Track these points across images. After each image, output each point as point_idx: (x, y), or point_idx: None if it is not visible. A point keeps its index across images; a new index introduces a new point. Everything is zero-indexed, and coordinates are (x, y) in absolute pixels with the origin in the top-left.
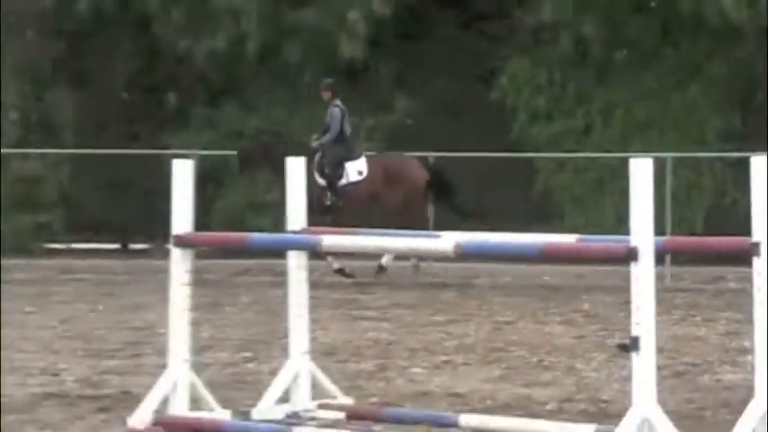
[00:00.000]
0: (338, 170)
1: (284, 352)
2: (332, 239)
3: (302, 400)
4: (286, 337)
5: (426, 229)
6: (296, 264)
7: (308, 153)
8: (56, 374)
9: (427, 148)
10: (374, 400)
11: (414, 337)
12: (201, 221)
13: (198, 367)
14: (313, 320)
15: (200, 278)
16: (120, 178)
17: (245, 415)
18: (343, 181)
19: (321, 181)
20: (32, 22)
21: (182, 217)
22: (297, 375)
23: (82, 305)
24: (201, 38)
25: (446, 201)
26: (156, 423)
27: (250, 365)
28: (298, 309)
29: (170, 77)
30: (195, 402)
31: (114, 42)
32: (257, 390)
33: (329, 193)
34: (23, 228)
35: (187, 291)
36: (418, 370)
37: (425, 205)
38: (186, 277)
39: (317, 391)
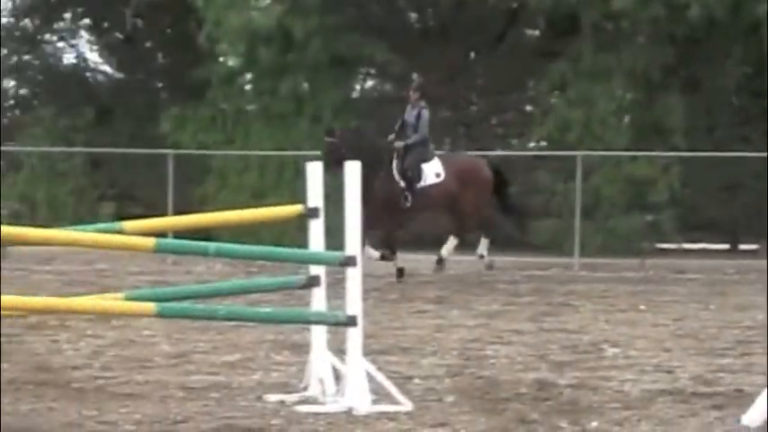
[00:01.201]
0: (418, 172)
1: None
2: None
3: None
4: None
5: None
6: None
7: (384, 153)
8: (669, 371)
9: None
10: None
11: None
12: None
13: None
14: None
15: None
16: (731, 180)
17: None
18: (422, 183)
19: (401, 183)
20: (644, 29)
21: None
22: None
23: (694, 304)
24: None
25: (503, 201)
26: None
27: None
28: None
29: None
30: None
31: (725, 48)
32: None
33: (409, 195)
34: (634, 228)
35: None
36: None
37: (490, 206)
38: None
39: None
